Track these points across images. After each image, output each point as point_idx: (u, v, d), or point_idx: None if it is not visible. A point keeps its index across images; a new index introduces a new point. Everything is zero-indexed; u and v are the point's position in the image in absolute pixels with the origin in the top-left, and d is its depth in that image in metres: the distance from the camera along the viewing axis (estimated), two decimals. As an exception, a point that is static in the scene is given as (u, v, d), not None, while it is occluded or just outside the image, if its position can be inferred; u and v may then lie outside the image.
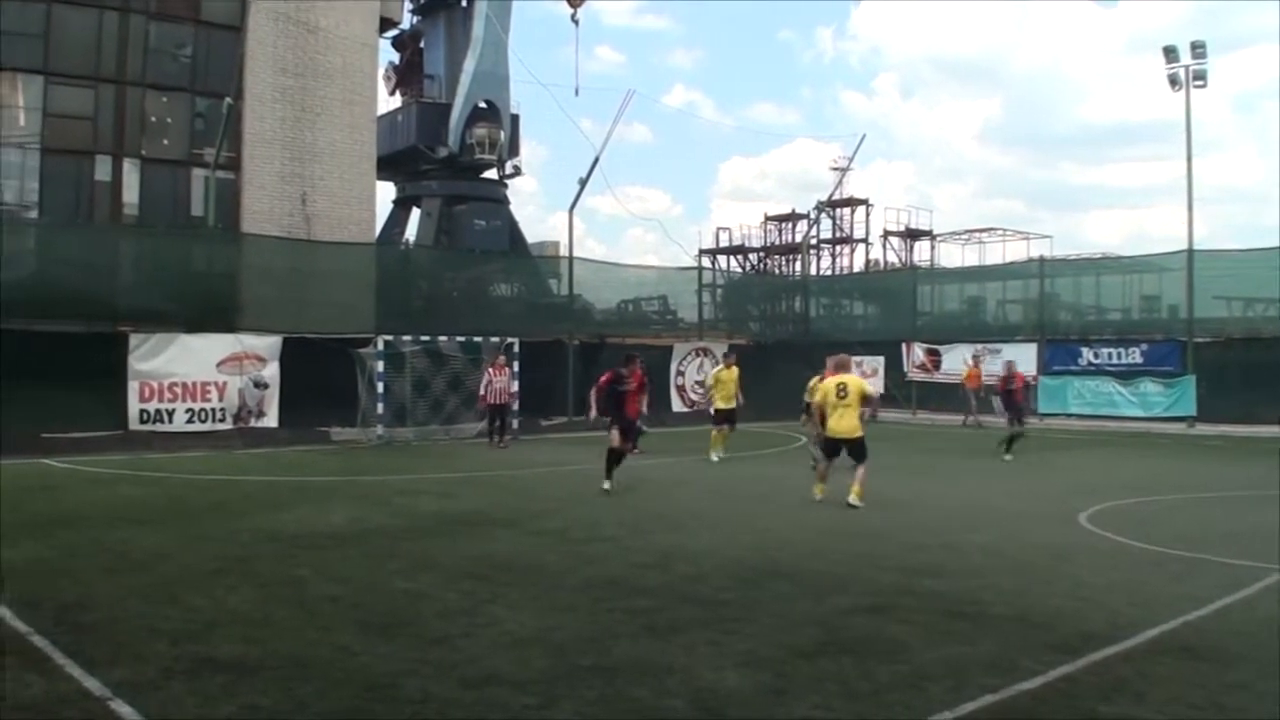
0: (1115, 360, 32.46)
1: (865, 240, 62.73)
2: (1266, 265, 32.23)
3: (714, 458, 21.34)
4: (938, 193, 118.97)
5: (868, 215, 62.78)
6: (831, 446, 15.26)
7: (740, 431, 22.84)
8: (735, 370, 22.44)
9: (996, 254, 59.46)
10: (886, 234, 62.12)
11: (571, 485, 17.17)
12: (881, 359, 37.41)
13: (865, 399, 15.16)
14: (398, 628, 7.95)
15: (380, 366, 25.35)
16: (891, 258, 61.45)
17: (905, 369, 37.29)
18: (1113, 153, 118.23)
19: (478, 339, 27.15)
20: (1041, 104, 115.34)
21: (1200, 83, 40.51)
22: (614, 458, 16.12)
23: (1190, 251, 33.01)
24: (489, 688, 6.61)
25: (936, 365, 36.51)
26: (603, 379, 16.73)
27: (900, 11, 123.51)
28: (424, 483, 17.53)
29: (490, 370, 25.25)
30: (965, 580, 9.94)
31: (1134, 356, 32.16)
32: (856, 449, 15.03)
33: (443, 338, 26.67)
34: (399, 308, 28.45)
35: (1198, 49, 40.52)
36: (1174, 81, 40.73)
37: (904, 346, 37.43)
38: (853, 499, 14.48)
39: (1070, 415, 32.50)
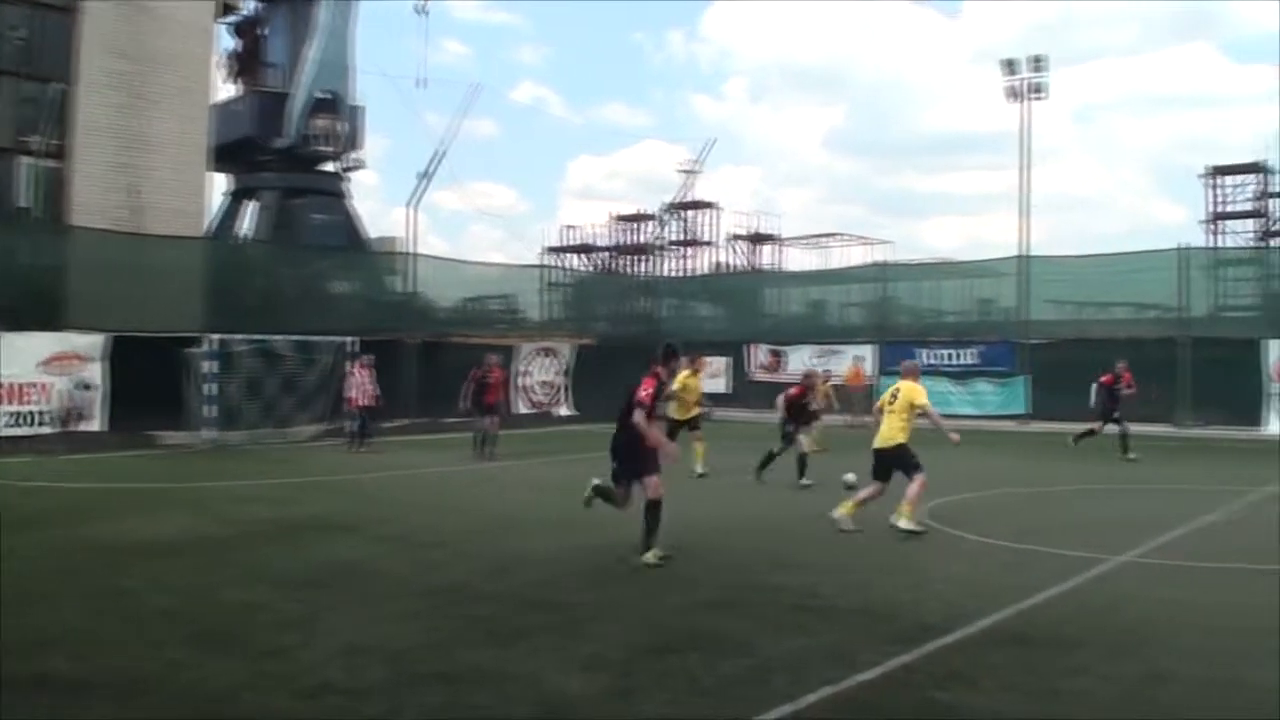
0: (952, 361, 33.46)
1: (713, 242, 63.51)
2: (1097, 270, 33.64)
3: (695, 468, 18.48)
4: (784, 197, 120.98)
5: (716, 218, 63.58)
6: (877, 461, 13.06)
7: (586, 432, 22.88)
8: (686, 374, 18.94)
9: (839, 258, 60.78)
10: (734, 237, 62.97)
11: (414, 489, 16.99)
12: (725, 359, 37.89)
13: (916, 409, 12.98)
14: (233, 640, 7.74)
15: (211, 367, 24.53)
16: (738, 260, 62.29)
17: (749, 369, 37.82)
18: (954, 161, 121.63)
19: (315, 338, 26.59)
20: (885, 112, 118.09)
21: (1040, 94, 42.04)
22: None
23: (1024, 257, 34.33)
24: (328, 698, 6.49)
25: (780, 366, 37.09)
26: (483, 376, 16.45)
27: (750, 16, 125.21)
28: (259, 488, 17.13)
29: (356, 371, 24.69)
30: (808, 574, 10.12)
31: (970, 357, 33.19)
32: (897, 461, 12.92)
33: (278, 337, 26.01)
34: (232, 305, 27.61)
35: (1039, 62, 42.00)
36: (1012, 93, 42.19)
37: (748, 347, 37.98)
38: (901, 523, 12.56)
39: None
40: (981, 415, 31.78)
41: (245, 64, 52.88)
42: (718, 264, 61.90)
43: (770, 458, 17.93)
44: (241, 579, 9.93)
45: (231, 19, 46.98)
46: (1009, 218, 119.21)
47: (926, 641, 7.62)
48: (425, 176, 34.34)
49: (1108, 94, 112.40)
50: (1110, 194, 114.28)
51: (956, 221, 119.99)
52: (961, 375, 33.24)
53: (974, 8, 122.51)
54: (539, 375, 34.54)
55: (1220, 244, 49.05)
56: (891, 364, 33.86)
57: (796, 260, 62.97)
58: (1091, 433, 23.08)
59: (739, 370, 38.09)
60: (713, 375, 38.32)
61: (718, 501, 15.08)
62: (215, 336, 24.93)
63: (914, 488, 12.58)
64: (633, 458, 10.73)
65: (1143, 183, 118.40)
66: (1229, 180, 52.61)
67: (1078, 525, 13.21)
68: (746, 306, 41.26)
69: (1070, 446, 22.85)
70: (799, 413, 18.17)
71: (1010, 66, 42.14)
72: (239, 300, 28.27)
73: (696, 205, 62.18)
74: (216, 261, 30.25)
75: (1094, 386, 23.52)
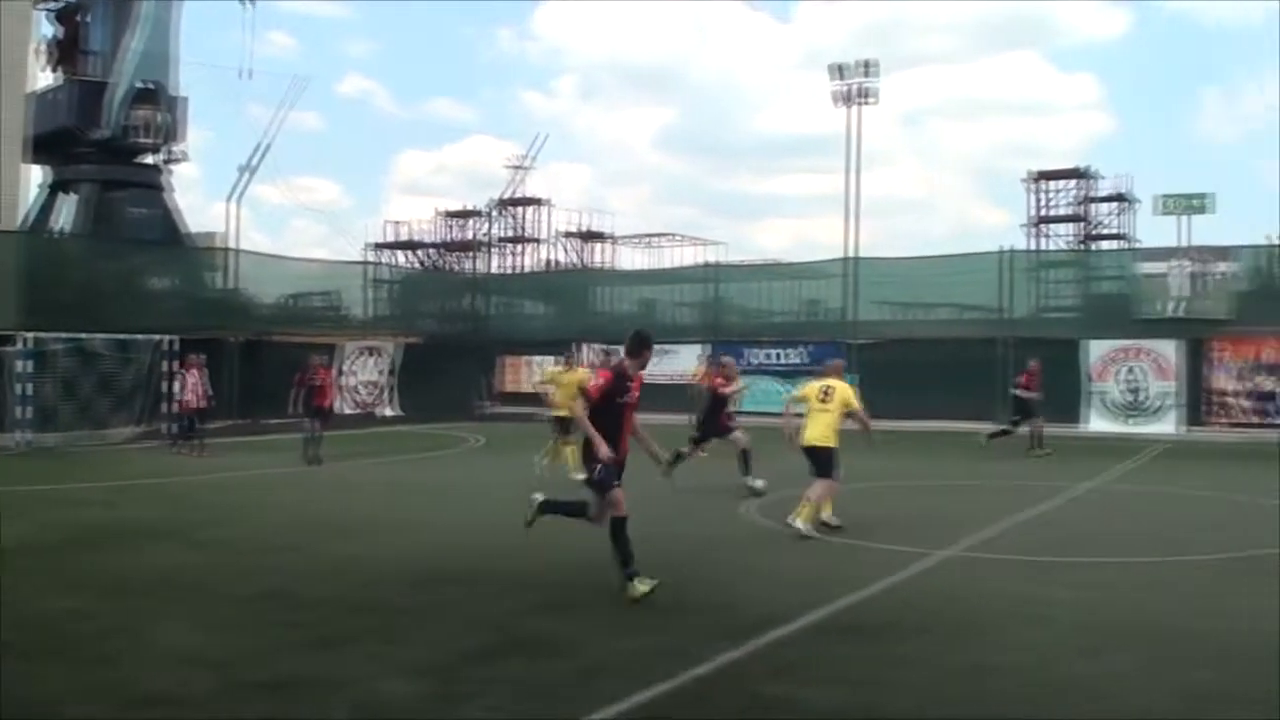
0: (781, 360, 33.98)
1: (542, 240, 63.33)
2: (922, 272, 34.55)
3: (571, 475, 16.20)
4: (615, 196, 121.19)
5: (548, 215, 63.41)
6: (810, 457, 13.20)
7: (412, 433, 22.57)
8: (581, 371, 18.48)
9: (671, 258, 61.19)
10: (564, 234, 62.88)
11: (238, 492, 16.56)
12: (554, 359, 37.78)
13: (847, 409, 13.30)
14: (55, 649, 7.42)
15: (26, 366, 23.50)
16: (568, 258, 62.24)
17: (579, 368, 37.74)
18: (785, 163, 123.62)
19: (133, 337, 25.66)
20: (717, 114, 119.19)
21: (868, 99, 43.03)
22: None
23: (852, 259, 35.07)
24: (153, 708, 6.26)
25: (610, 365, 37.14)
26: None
27: (581, 15, 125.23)
28: (79, 492, 16.42)
29: (188, 371, 23.86)
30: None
31: (798, 357, 33.72)
32: (823, 461, 13.07)
33: (94, 335, 25.02)
34: (48, 302, 26.52)
35: (868, 67, 42.97)
36: (841, 98, 43.10)
37: (578, 346, 37.96)
38: (799, 525, 12.39)
39: (738, 413, 33.57)
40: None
41: (65, 52, 50.72)
42: (548, 262, 61.73)
43: (679, 457, 16.06)
44: (63, 587, 9.51)
45: (51, 5, 45.30)
46: (838, 220, 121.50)
47: (758, 636, 7.68)
48: (247, 170, 33.64)
49: (935, 100, 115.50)
50: (936, 198, 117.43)
51: (787, 223, 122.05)
52: (790, 374, 33.65)
53: (805, 12, 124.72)
54: (363, 375, 34.04)
55: (1042, 247, 50.75)
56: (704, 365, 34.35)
57: (628, 259, 63.19)
58: (1009, 433, 24.07)
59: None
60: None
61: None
62: (30, 335, 23.92)
63: (820, 489, 12.77)
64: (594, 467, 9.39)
65: (968, 187, 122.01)
66: (1051, 185, 54.51)
67: (906, 520, 13.51)
68: (577, 305, 41.27)
69: (981, 445, 23.69)
70: (720, 406, 17.67)
71: (840, 71, 43.07)
72: (55, 297, 27.13)
73: (526, 202, 61.95)
74: (32, 256, 29.15)
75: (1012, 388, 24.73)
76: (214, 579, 9.97)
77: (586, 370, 18.01)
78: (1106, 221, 53.97)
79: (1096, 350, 30.14)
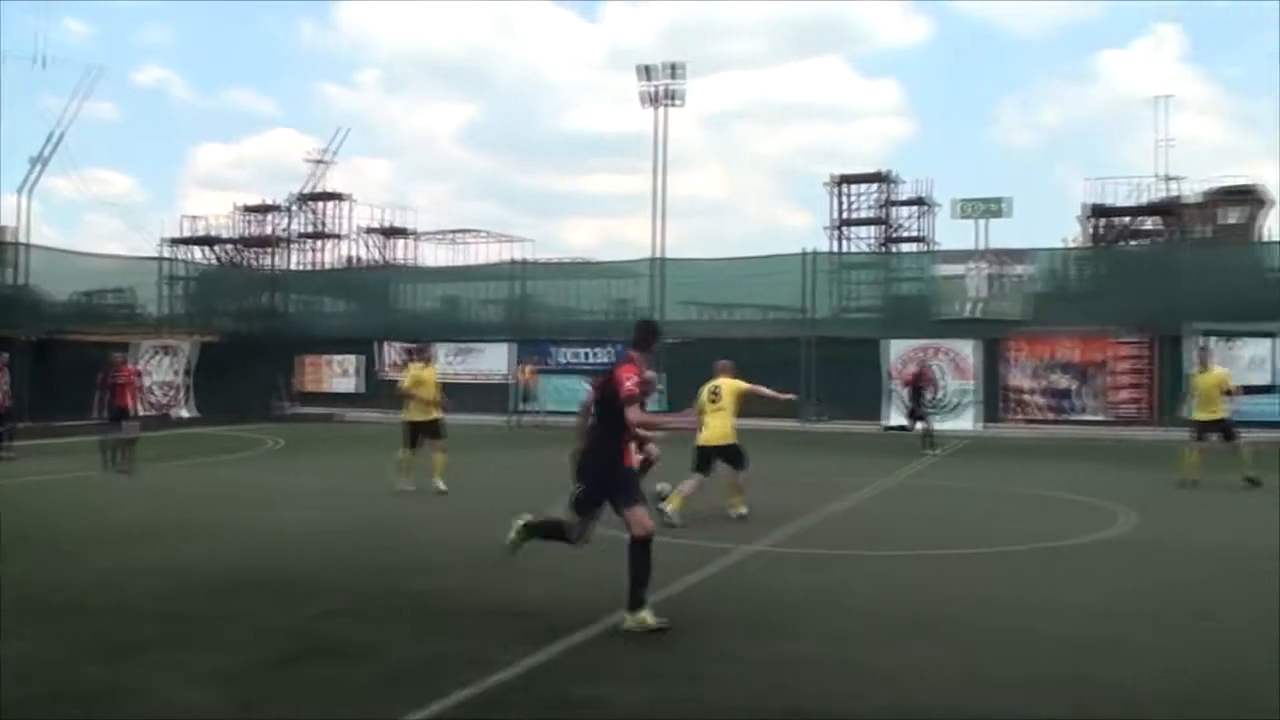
0: (588, 360, 34.05)
1: (342, 236, 62.19)
2: (728, 273, 35.07)
3: (411, 485, 15.94)
4: (418, 191, 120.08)
5: (349, 211, 62.28)
6: (703, 456, 13.79)
7: (209, 435, 21.83)
8: (432, 370, 17.39)
9: (476, 255, 60.75)
10: (365, 230, 61.87)
11: (29, 499, 15.78)
12: (356, 358, 37.34)
13: (745, 397, 14.04)
14: None
15: None
16: (370, 254, 61.28)
17: (380, 368, 37.33)
18: (592, 162, 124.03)
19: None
20: (523, 111, 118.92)
21: (676, 101, 43.47)
22: None
23: (660, 259, 35.35)
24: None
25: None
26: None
27: (385, 7, 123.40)
28: None
29: None
30: (442, 577, 10.01)
31: (606, 356, 33.77)
32: (733, 456, 13.86)
33: None
34: None
35: (675, 69, 43.39)
36: (648, 99, 43.45)
37: (380, 345, 37.47)
38: (740, 510, 13.63)
39: (545, 413, 33.67)
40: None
41: None
42: (348, 258, 60.68)
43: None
44: None
45: None
46: (645, 219, 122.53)
47: (563, 638, 7.60)
48: (39, 162, 32.17)
49: (740, 103, 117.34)
50: (741, 199, 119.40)
51: (595, 222, 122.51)
52: (598, 374, 33.80)
53: (613, 12, 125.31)
54: (158, 375, 32.96)
55: (844, 249, 51.94)
56: (529, 363, 34.27)
57: (431, 256, 62.52)
58: (906, 429, 25.28)
59: (370, 369, 37.58)
60: (343, 374, 37.76)
61: (357, 506, 14.69)
62: None
63: (743, 478, 13.85)
64: (608, 480, 8.23)
65: (772, 189, 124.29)
66: (854, 189, 55.84)
67: (712, 516, 13.59)
68: (378, 302, 40.78)
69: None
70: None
71: (647, 72, 43.39)
72: None
73: (327, 197, 60.71)
74: None
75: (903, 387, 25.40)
76: (8, 588, 9.45)
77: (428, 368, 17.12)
78: (907, 224, 55.59)
79: (897, 349, 31.00)
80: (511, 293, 38.06)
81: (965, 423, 30.26)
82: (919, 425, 24.73)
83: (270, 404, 36.29)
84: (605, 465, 8.20)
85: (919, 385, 25.29)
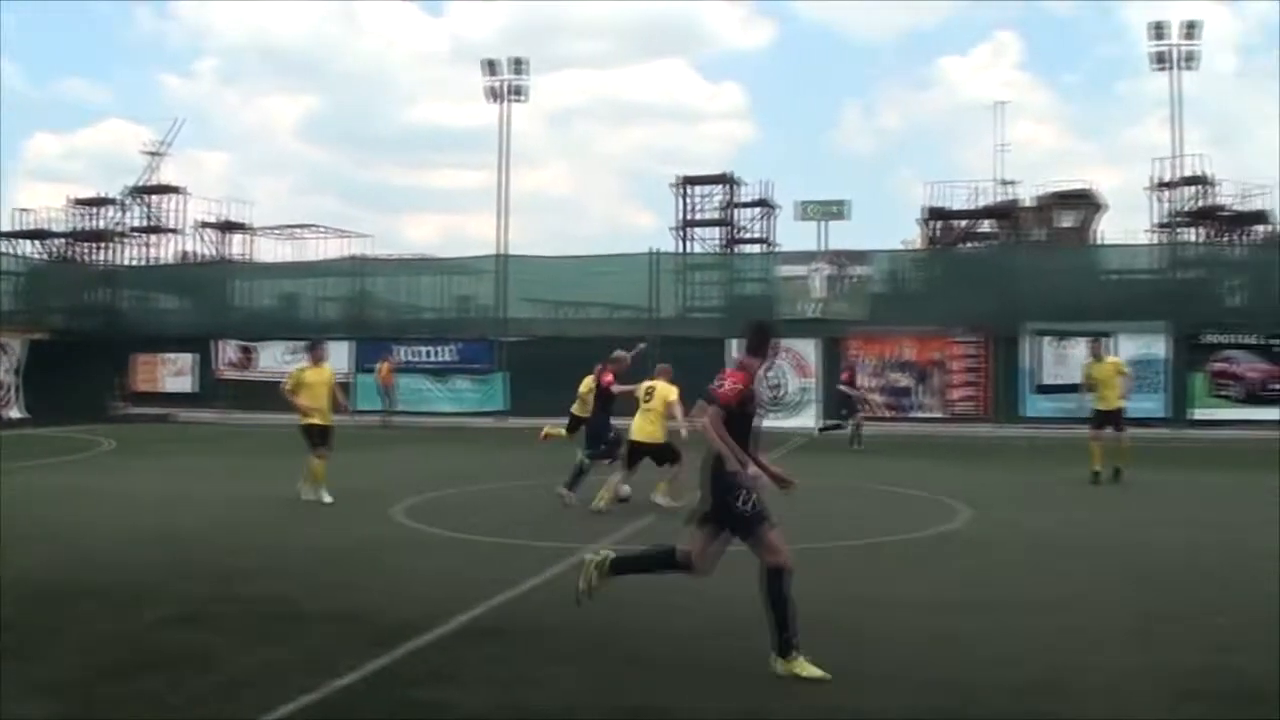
0: (431, 358, 33.91)
1: (178, 230, 60.60)
2: (573, 271, 35.15)
3: (320, 496, 15.07)
4: (256, 185, 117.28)
5: (185, 205, 60.66)
6: (632, 453, 14.57)
7: (38, 437, 21.10)
8: (328, 369, 16.33)
9: (315, 250, 59.74)
10: (201, 225, 60.38)
11: None
12: (192, 356, 36.56)
13: (669, 406, 14.43)
14: None
15: None
16: (206, 250, 59.82)
17: (217, 367, 36.59)
18: (434, 157, 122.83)
19: None
20: (365, 104, 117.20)
21: (520, 97, 43.45)
22: None
23: (504, 256, 35.25)
24: None
25: (250, 363, 36.14)
26: None
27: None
28: None
29: None
30: (282, 582, 9.84)
31: (449, 355, 33.72)
32: (660, 455, 14.54)
33: None
34: None
35: (519, 65, 43.37)
36: (492, 94, 43.34)
37: (216, 343, 36.72)
38: (662, 500, 14.36)
39: (393, 412, 33.36)
40: (461, 412, 32.41)
41: None
42: (184, 253, 59.15)
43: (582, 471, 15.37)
44: None
45: None
46: (489, 216, 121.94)
47: (406, 641, 7.57)
48: None
49: (585, 101, 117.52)
50: (586, 198, 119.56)
51: (437, 218, 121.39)
52: (440, 372, 33.76)
53: (457, 7, 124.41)
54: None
55: (689, 249, 52.34)
56: (368, 361, 33.96)
57: (269, 251, 61.24)
58: (837, 426, 26.00)
59: (206, 368, 36.79)
60: (178, 373, 36.92)
61: (195, 510, 14.39)
62: None
63: (675, 470, 14.21)
64: (720, 499, 7.35)
65: (617, 188, 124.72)
66: (698, 190, 56.20)
67: (554, 517, 13.65)
68: (215, 300, 39.85)
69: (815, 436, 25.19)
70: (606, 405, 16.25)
71: (491, 67, 43.26)
72: None
73: (162, 190, 59.02)
74: None
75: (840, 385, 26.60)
76: None
77: (331, 369, 16.42)
78: (750, 226, 56.15)
79: (741, 349, 31.39)
80: (351, 290, 37.63)
81: (806, 420, 30.78)
82: (849, 423, 25.65)
83: (103, 404, 35.27)
84: (725, 480, 7.32)
85: (850, 384, 26.38)
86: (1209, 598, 9.32)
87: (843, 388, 26.34)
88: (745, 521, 7.24)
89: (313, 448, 15.21)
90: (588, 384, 16.14)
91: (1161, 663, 7.28)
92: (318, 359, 16.13)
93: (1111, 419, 17.97)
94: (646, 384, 14.93)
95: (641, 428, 14.55)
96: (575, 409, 16.81)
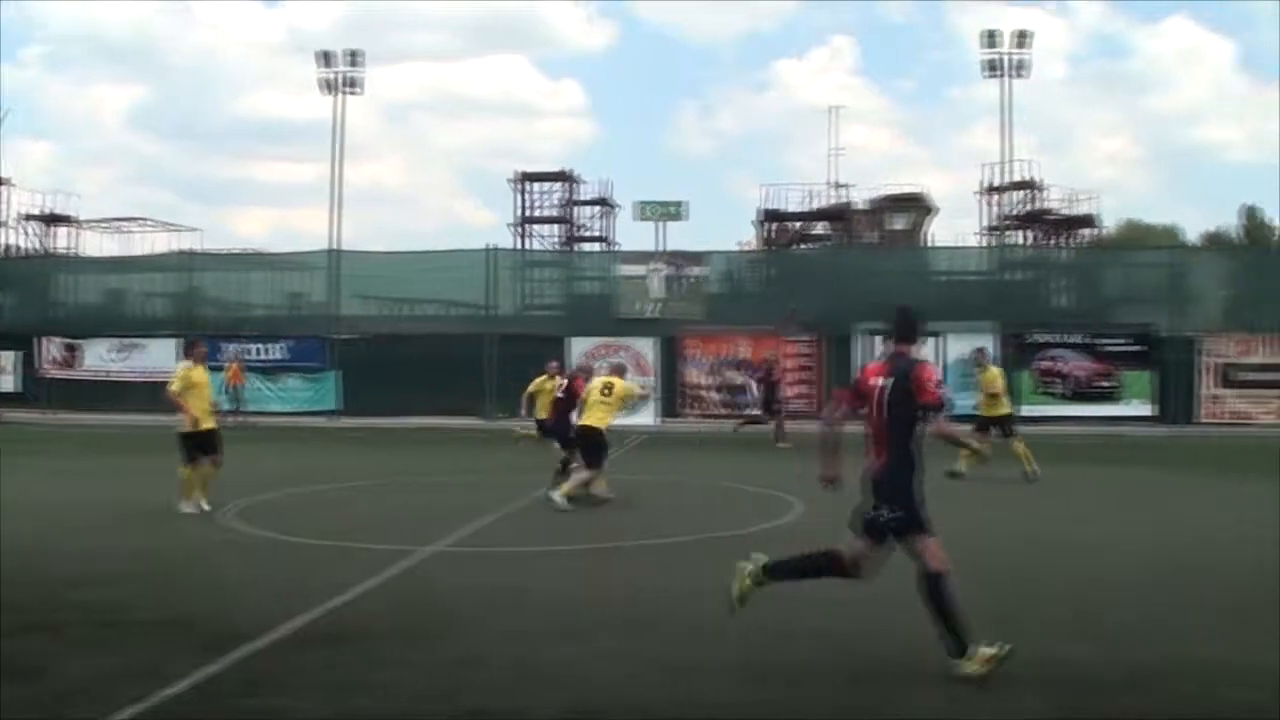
0: (262, 356, 33.30)
1: (3, 223, 58.45)
2: (408, 267, 34.87)
3: (197, 508, 13.92)
4: (83, 177, 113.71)
5: (8, 196, 58.47)
6: (580, 438, 15.37)
7: None
8: (203, 370, 14.93)
9: (142, 245, 58.15)
10: (25, 217, 58.29)
11: None
12: (14, 354, 35.35)
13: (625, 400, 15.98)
14: None
15: None
16: (30, 243, 57.77)
17: (40, 365, 35.40)
18: (267, 149, 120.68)
19: None
20: (196, 95, 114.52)
21: (355, 89, 42.93)
22: None
23: (335, 251, 34.78)
24: None
25: (75, 361, 35.08)
26: None
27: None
28: None
29: None
30: (111, 588, 9.53)
31: (280, 352, 33.14)
32: (592, 448, 15.16)
33: None
34: None
35: (355, 57, 42.85)
36: (326, 86, 42.76)
37: (39, 341, 35.52)
38: (559, 496, 14.56)
39: (216, 412, 32.57)
40: (293, 411, 31.90)
41: None
42: (6, 247, 57.08)
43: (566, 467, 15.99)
44: None
45: None
46: (322, 211, 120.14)
47: (236, 649, 7.41)
48: None
49: (422, 95, 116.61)
50: (422, 193, 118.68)
51: (268, 212, 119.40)
52: (272, 370, 33.14)
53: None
54: None
55: (528, 247, 52.30)
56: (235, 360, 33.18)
57: (95, 245, 59.46)
58: (756, 421, 26.32)
59: (29, 366, 35.55)
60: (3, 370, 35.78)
61: (17, 516, 13.87)
62: None
63: (586, 475, 14.90)
64: (902, 501, 7.20)
65: (455, 184, 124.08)
66: (537, 186, 56.22)
67: (389, 519, 13.53)
68: (38, 295, 38.54)
69: (733, 434, 25.24)
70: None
71: (326, 59, 42.68)
72: None
73: (-17, 181, 57.05)
74: None
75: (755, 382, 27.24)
76: None
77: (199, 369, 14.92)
78: (589, 224, 56.40)
79: (579, 347, 31.48)
80: (180, 285, 36.73)
81: (645, 418, 31.00)
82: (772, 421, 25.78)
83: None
84: (895, 482, 7.18)
85: (771, 381, 26.53)
86: (1040, 589, 9.73)
87: (761, 385, 26.70)
88: (901, 524, 7.14)
89: (193, 458, 14.00)
90: (549, 387, 17.57)
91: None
92: (201, 357, 14.96)
93: (1000, 423, 18.45)
94: (602, 381, 15.73)
95: (601, 417, 15.20)
96: (538, 412, 18.03)
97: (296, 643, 7.74)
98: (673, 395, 31.85)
